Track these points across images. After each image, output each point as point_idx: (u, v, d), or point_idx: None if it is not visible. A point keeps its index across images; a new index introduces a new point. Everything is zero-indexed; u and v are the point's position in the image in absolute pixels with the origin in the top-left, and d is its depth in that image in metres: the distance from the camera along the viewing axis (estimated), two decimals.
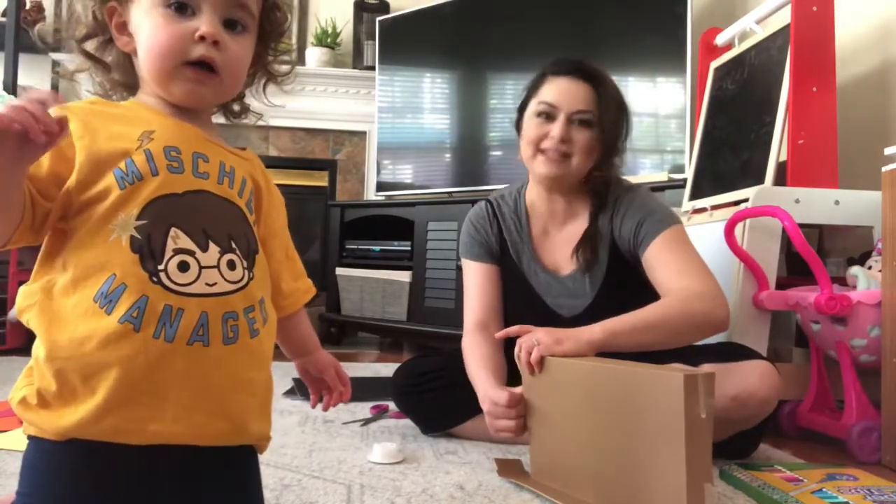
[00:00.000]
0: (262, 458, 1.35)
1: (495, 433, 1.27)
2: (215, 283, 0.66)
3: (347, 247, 3.27)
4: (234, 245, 0.69)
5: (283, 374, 2.19)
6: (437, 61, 3.39)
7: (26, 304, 0.65)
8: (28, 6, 3.32)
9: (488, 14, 3.16)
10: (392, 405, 1.66)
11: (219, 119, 0.83)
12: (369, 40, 3.54)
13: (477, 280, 1.51)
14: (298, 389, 1.92)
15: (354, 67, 3.59)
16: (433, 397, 1.48)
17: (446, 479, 1.21)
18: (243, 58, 0.73)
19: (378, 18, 3.45)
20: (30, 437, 0.66)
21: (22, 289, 0.66)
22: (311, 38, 3.60)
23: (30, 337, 0.65)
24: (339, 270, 3.24)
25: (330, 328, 3.29)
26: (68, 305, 0.63)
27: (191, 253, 0.65)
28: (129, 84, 0.75)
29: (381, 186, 3.43)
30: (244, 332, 0.68)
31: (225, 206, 0.70)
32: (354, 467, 1.26)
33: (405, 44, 3.39)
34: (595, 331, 1.20)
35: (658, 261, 1.35)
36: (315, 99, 3.56)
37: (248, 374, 0.69)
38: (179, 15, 0.68)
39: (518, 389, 1.23)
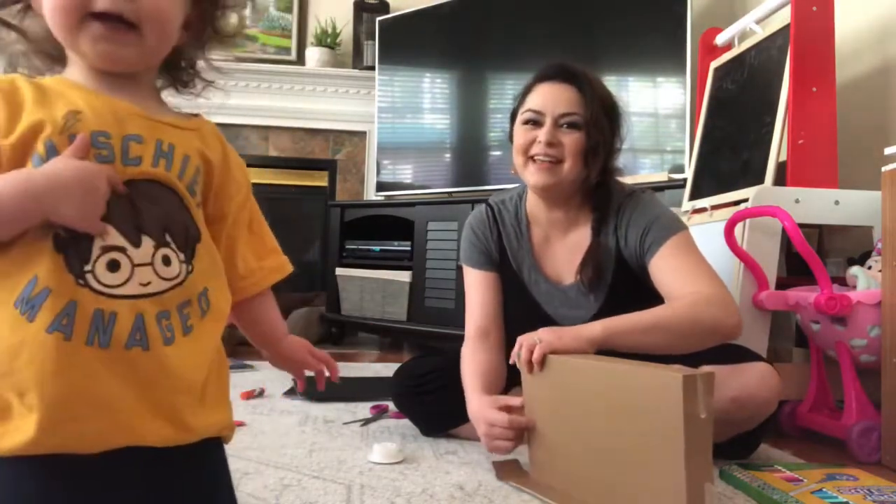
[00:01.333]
0: (262, 458, 1.35)
1: (491, 451, 1.27)
2: (149, 283, 0.60)
3: (347, 247, 3.27)
4: (168, 238, 0.63)
5: (284, 374, 2.19)
6: (437, 61, 3.39)
7: None
8: None
9: (488, 14, 3.16)
10: (392, 405, 1.66)
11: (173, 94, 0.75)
12: (369, 40, 3.54)
13: (477, 288, 1.49)
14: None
15: (354, 67, 3.59)
16: (433, 399, 1.48)
17: (446, 479, 1.21)
18: (166, 7, 0.64)
19: (378, 18, 3.45)
20: None
21: None
22: (310, 38, 3.60)
23: None
24: (339, 270, 3.24)
25: (330, 328, 3.29)
26: None
27: (121, 250, 0.59)
28: (58, 56, 0.67)
29: (381, 186, 3.43)
30: (178, 330, 0.62)
31: (161, 193, 0.63)
32: (354, 467, 1.26)
33: (405, 44, 3.39)
34: (595, 328, 1.18)
35: (665, 268, 1.31)
36: (315, 99, 3.57)
37: (191, 374, 0.64)
38: None
39: (516, 400, 1.23)
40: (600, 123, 1.33)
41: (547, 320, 1.42)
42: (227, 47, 0.75)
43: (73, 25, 0.61)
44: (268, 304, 0.80)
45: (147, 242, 0.61)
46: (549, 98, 1.35)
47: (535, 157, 1.35)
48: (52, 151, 0.58)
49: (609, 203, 1.40)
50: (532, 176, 1.37)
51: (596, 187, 1.40)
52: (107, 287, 0.58)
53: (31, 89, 0.61)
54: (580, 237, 1.43)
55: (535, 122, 1.36)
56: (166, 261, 0.62)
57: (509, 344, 1.27)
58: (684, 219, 2.05)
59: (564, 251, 1.44)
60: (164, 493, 0.63)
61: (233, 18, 0.74)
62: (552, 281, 1.45)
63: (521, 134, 1.38)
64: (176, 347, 0.61)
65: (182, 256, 0.64)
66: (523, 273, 1.47)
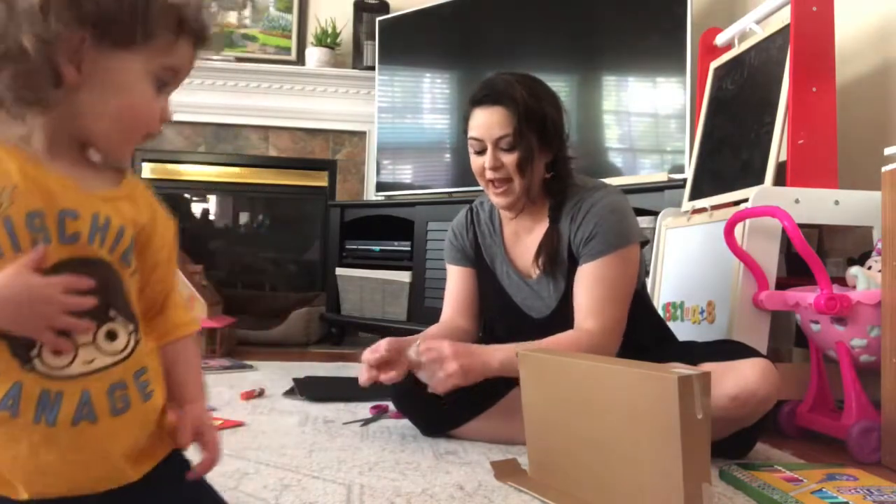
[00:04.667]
0: (262, 458, 1.35)
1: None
2: (93, 360, 0.62)
3: (347, 247, 3.27)
4: (111, 313, 0.64)
5: (284, 374, 2.19)
6: (437, 61, 3.39)
7: None
8: None
9: (488, 14, 3.15)
10: (392, 405, 1.67)
11: None
12: (369, 40, 3.54)
13: (452, 283, 1.64)
14: (298, 389, 1.92)
15: (354, 67, 3.59)
16: (433, 399, 1.48)
17: (446, 479, 1.21)
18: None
19: (378, 18, 3.45)
20: None
21: None
22: (311, 38, 3.60)
23: None
24: (339, 270, 3.24)
25: (330, 328, 3.29)
26: None
27: (63, 333, 0.60)
28: (34, 100, 0.62)
29: (381, 186, 3.43)
30: (136, 399, 0.65)
31: (99, 270, 0.64)
32: (354, 467, 1.26)
33: (405, 44, 3.39)
34: (493, 362, 1.35)
35: (582, 284, 1.41)
36: (315, 99, 3.56)
37: (141, 435, 0.67)
38: (159, 92, 0.67)
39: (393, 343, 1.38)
40: (525, 136, 1.42)
41: (518, 312, 1.54)
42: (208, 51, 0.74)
43: (133, 141, 0.67)
44: (188, 353, 0.75)
45: (87, 323, 0.62)
46: (484, 125, 1.45)
47: (489, 181, 1.47)
48: None
49: (565, 191, 1.49)
50: (493, 198, 1.51)
51: (551, 179, 1.50)
52: (53, 369, 0.60)
53: None
54: (544, 230, 1.51)
55: (479, 151, 1.47)
56: (111, 335, 0.64)
57: (489, 330, 1.53)
58: (683, 219, 2.05)
59: (531, 245, 1.52)
60: None
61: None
62: (521, 274, 1.55)
63: (472, 161, 1.50)
64: (130, 415, 0.64)
65: (131, 327, 0.66)
66: (496, 266, 1.59)
